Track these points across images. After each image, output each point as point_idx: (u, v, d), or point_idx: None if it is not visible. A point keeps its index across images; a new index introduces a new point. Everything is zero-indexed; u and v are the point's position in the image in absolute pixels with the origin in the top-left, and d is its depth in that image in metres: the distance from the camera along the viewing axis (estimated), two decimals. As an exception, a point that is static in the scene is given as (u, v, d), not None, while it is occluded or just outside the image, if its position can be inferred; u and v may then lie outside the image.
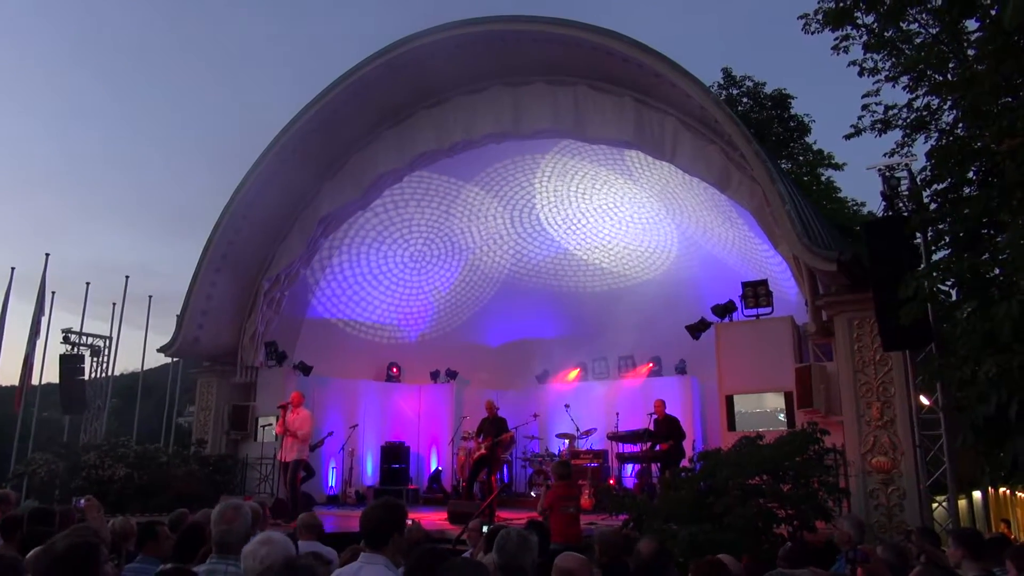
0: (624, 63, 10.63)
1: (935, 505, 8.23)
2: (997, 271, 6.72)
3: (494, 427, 11.52)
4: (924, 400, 8.37)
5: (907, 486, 8.26)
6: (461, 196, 14.85)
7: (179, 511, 5.80)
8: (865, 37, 11.05)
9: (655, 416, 11.46)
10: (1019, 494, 24.07)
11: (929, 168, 9.58)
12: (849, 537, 5.05)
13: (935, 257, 8.64)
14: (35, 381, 14.94)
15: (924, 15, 10.01)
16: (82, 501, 5.90)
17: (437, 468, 15.17)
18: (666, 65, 10.13)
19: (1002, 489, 20.77)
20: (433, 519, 9.80)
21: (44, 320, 14.65)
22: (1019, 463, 4.47)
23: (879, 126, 12.10)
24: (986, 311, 4.86)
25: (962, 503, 11.98)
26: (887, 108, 11.94)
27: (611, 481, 12.63)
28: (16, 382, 14.54)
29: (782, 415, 9.92)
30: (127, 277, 16.09)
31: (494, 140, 12.53)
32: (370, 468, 14.79)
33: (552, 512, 7.04)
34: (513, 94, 11.98)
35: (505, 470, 13.60)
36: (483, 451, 11.37)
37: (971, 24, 8.58)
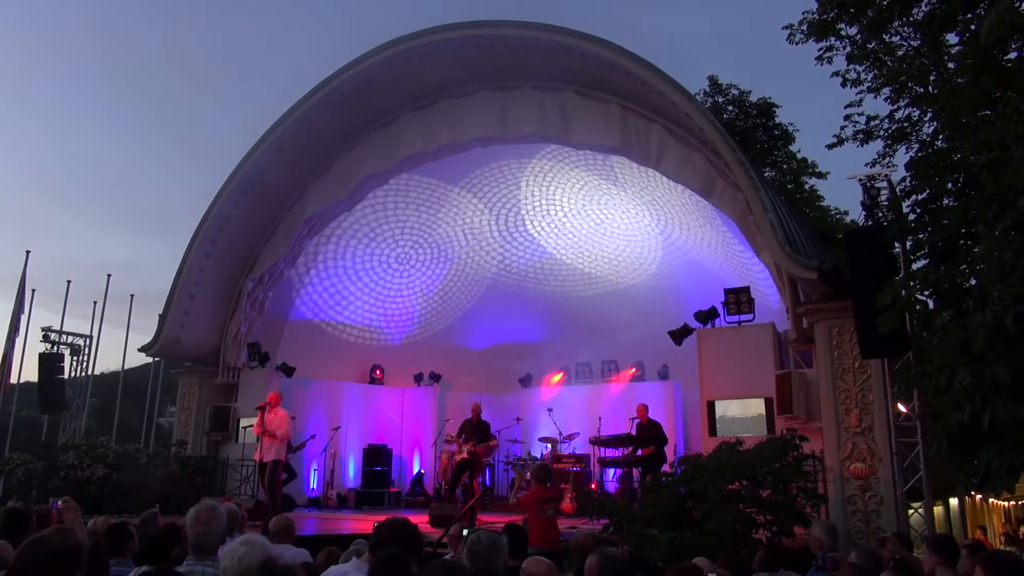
0: (611, 70, 10.68)
1: (911, 511, 8.32)
2: (973, 281, 6.82)
3: (476, 431, 11.44)
4: (902, 408, 8.46)
5: (884, 492, 8.34)
6: (447, 199, 14.86)
7: (150, 512, 5.76)
8: (848, 48, 11.21)
9: (637, 421, 11.51)
10: (994, 501, 24.36)
11: (909, 179, 9.72)
12: (821, 543, 5.10)
13: (914, 267, 8.76)
14: (13, 379, 14.78)
15: (906, 28, 10.16)
16: (59, 502, 5.84)
17: (419, 471, 15.14)
18: (653, 73, 10.17)
19: (978, 496, 20.99)
20: (414, 522, 9.76)
21: (24, 318, 14.50)
22: (991, 472, 4.54)
23: (861, 136, 12.24)
24: (961, 321, 4.93)
25: (939, 510, 12.11)
26: (869, 119, 12.09)
27: (593, 486, 12.67)
28: (-6, 380, 14.36)
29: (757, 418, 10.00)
30: (109, 275, 15.99)
31: (480, 143, 12.56)
32: (352, 470, 14.74)
33: (530, 514, 7.05)
34: (500, 98, 12.00)
35: (487, 473, 13.60)
36: (465, 455, 11.30)
37: (952, 38, 8.73)
